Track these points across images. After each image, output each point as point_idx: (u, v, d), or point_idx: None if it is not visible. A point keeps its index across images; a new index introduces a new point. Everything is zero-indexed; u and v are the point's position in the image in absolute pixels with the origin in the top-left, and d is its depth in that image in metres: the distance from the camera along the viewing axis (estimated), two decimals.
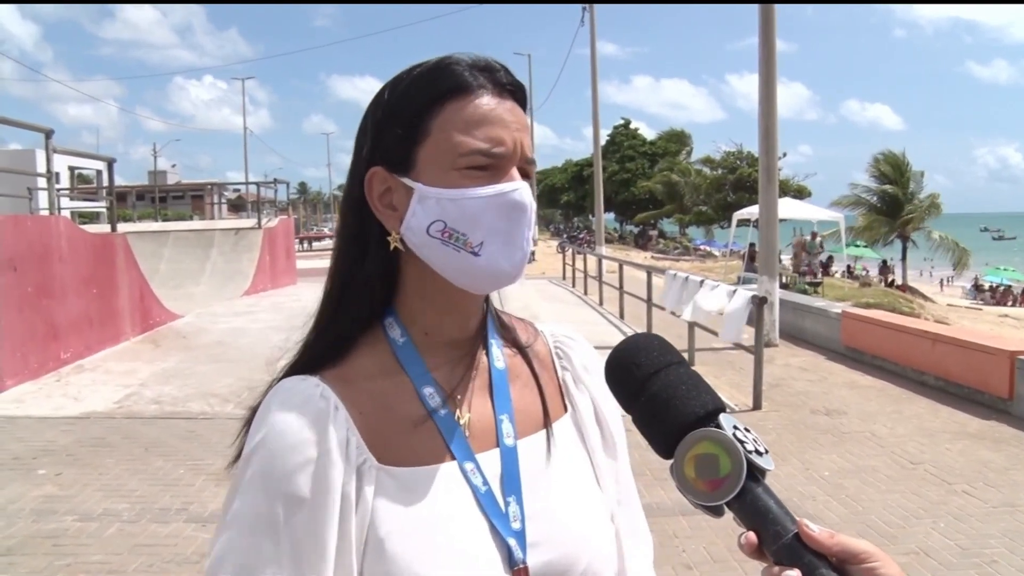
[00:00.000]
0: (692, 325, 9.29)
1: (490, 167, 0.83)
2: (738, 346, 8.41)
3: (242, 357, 9.22)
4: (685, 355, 8.47)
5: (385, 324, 0.90)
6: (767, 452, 0.71)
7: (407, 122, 0.84)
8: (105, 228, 12.64)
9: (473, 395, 0.90)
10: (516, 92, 0.88)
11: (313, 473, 0.78)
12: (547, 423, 0.93)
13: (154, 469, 5.57)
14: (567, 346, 1.02)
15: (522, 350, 0.98)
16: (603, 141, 36.62)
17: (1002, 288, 36.94)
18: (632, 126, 62.45)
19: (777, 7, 10.92)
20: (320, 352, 0.88)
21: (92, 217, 26.28)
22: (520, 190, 0.84)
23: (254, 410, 0.86)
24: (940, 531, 4.50)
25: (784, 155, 41.49)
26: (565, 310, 14.94)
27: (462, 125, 0.82)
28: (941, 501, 4.96)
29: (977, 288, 36.98)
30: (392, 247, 0.86)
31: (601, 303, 15.50)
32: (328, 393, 0.82)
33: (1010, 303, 34.29)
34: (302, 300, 15.31)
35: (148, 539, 4.44)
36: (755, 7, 11.06)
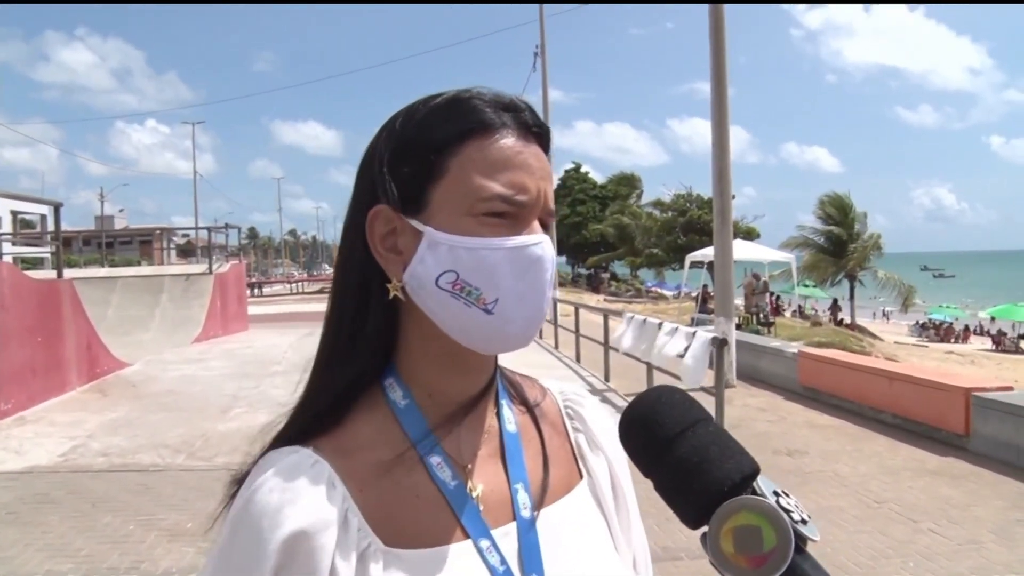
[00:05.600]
0: (650, 368, 9.30)
1: (509, 215, 0.74)
2: (698, 387, 8.42)
3: (194, 406, 8.97)
4: None
5: (385, 384, 0.80)
6: (810, 519, 0.63)
7: (422, 157, 0.76)
8: (50, 274, 12.30)
9: (485, 463, 0.81)
10: (541, 136, 0.80)
11: (307, 562, 0.68)
12: (564, 491, 0.85)
13: (102, 526, 5.32)
14: (579, 405, 0.95)
15: (532, 411, 0.90)
16: (554, 185, 36.97)
17: (945, 325, 37.92)
18: (583, 170, 63.14)
19: (727, 57, 11.15)
20: (313, 418, 0.79)
21: (36, 263, 25.61)
22: (542, 244, 0.76)
23: (238, 484, 0.76)
24: (910, 570, 4.49)
25: (734, 197, 42.34)
26: (519, 354, 14.61)
27: (484, 167, 0.74)
28: (908, 540, 4.96)
29: (922, 326, 37.88)
30: (392, 295, 0.78)
31: (557, 347, 15.47)
32: (323, 467, 0.73)
33: (953, 340, 35.22)
34: (254, 347, 15.08)
35: None
36: (705, 55, 11.29)
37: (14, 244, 24.51)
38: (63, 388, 9.97)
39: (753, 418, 8.74)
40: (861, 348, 17.45)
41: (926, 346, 29.78)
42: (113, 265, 25.35)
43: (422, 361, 0.80)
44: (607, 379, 11.24)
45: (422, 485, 0.77)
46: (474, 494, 0.78)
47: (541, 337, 17.32)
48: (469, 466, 0.80)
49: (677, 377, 8.66)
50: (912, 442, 7.42)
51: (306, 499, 0.70)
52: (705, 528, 0.65)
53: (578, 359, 13.30)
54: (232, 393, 9.57)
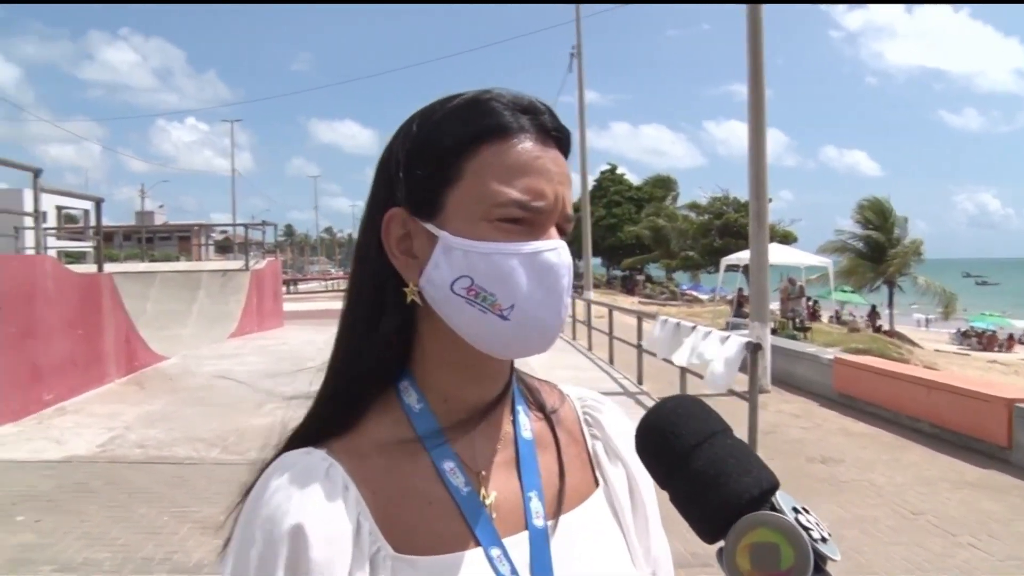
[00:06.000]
0: (684, 372, 9.23)
1: (526, 221, 0.73)
2: (731, 392, 8.32)
3: (229, 400, 9.08)
4: None
5: (400, 388, 0.80)
6: (830, 536, 0.61)
7: (438, 161, 0.75)
8: (92, 268, 12.51)
9: (498, 470, 0.80)
10: (561, 140, 0.79)
11: (319, 566, 0.68)
12: (579, 500, 0.84)
13: (138, 516, 5.40)
14: (597, 412, 0.93)
15: (548, 417, 0.88)
16: (590, 186, 36.86)
17: (988, 334, 37.13)
18: (618, 171, 62.93)
19: (765, 59, 11.03)
20: (328, 419, 0.79)
21: (79, 257, 26.10)
22: (559, 250, 0.74)
23: (253, 483, 0.76)
24: None
25: (771, 200, 41.93)
26: (553, 355, 14.77)
27: (500, 172, 0.73)
28: (946, 553, 4.86)
29: (964, 334, 37.14)
30: (409, 300, 0.77)
31: (590, 348, 15.41)
32: (337, 470, 0.73)
33: (996, 349, 34.46)
34: (289, 343, 15.21)
35: None
36: (742, 57, 11.18)
37: (59, 238, 25.00)
38: (102, 380, 10.14)
39: (787, 424, 8.64)
40: (900, 355, 17.13)
41: (968, 354, 29.16)
42: (152, 260, 25.80)
43: (438, 365, 0.80)
44: (640, 381, 11.18)
45: (434, 491, 0.76)
46: (487, 501, 0.77)
47: (575, 339, 17.29)
48: (483, 473, 0.79)
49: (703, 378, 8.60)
50: (951, 453, 7.29)
51: (319, 502, 0.70)
52: (721, 543, 0.63)
53: (611, 361, 13.24)
54: (267, 389, 9.63)
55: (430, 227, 0.75)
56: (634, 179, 63.12)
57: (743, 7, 11.19)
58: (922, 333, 37.43)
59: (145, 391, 10.08)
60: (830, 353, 10.97)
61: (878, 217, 30.97)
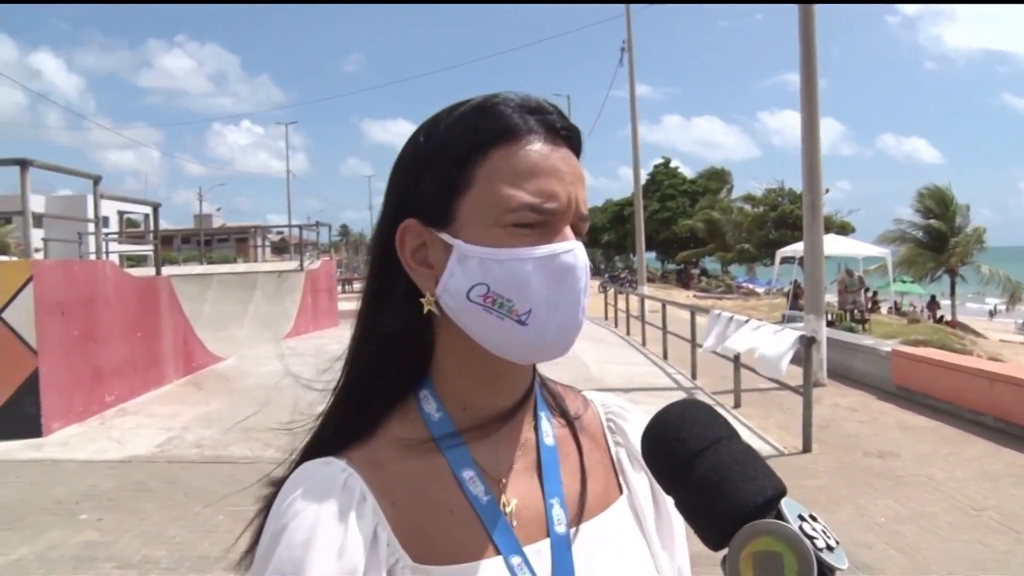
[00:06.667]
0: (737, 366, 9.11)
1: (540, 224, 0.73)
2: (785, 386, 8.18)
3: (284, 400, 9.21)
4: (731, 396, 8.17)
5: (419, 396, 0.80)
6: (838, 545, 0.60)
7: (447, 170, 0.74)
8: (152, 271, 12.83)
9: (520, 477, 0.80)
10: (571, 138, 0.78)
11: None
12: (601, 507, 0.83)
13: (193, 515, 5.53)
14: (621, 418, 0.92)
15: (571, 423, 0.87)
16: (643, 180, 36.58)
17: None
18: (672, 165, 62.39)
19: (817, 48, 10.81)
20: (346, 428, 0.79)
21: (140, 260, 26.79)
22: (575, 251, 0.73)
23: (274, 493, 0.76)
24: None
25: (827, 191, 41.11)
26: (607, 351, 14.76)
27: (510, 175, 0.72)
28: (1009, 551, 4.71)
29: None
30: (426, 310, 0.77)
31: (644, 343, 15.30)
32: (355, 480, 0.73)
33: None
34: (344, 343, 15.29)
35: None
36: (794, 46, 10.97)
37: (120, 242, 25.69)
38: (161, 381, 10.40)
39: (843, 418, 8.46)
40: (963, 347, 16.69)
41: None
42: (211, 262, 26.31)
43: (457, 374, 0.79)
44: (694, 376, 11.06)
45: (454, 500, 0.76)
46: (507, 509, 0.77)
47: (629, 334, 17.18)
48: (503, 480, 0.79)
49: (762, 375, 8.46)
50: (1016, 447, 7.06)
51: (338, 514, 0.70)
52: (725, 551, 0.62)
53: (665, 356, 13.14)
54: (321, 388, 9.76)
55: (444, 236, 0.75)
56: (688, 172, 62.72)
57: None
58: (987, 323, 36.35)
59: (203, 391, 10.30)
60: (888, 345, 10.71)
61: (939, 205, 30.15)
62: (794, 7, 10.98)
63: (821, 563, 0.58)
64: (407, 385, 0.80)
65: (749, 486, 0.62)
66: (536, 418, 0.84)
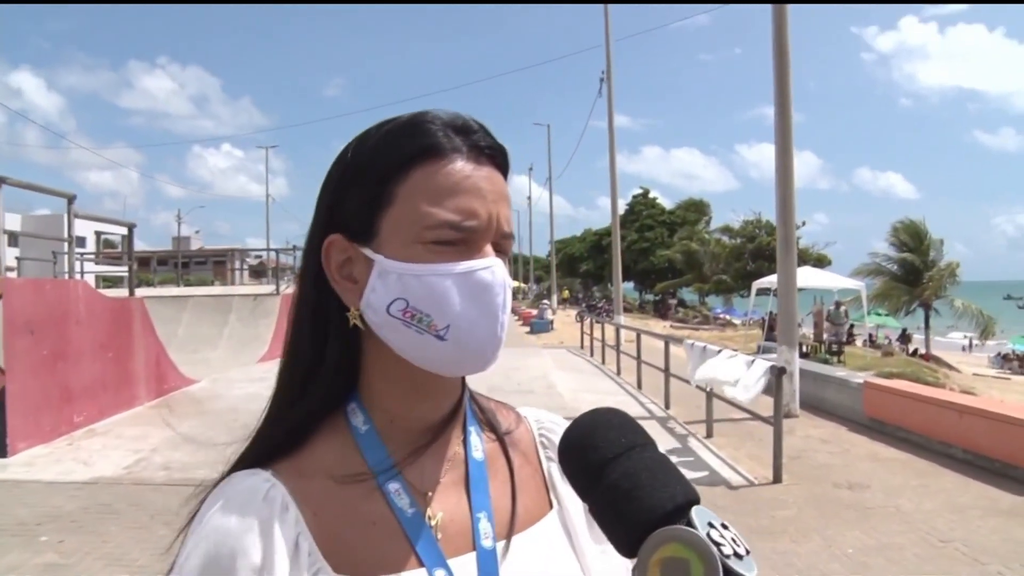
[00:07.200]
0: (710, 396, 9.13)
1: (460, 242, 0.74)
2: (757, 416, 8.21)
3: (254, 423, 9.14)
4: (703, 426, 8.16)
5: (347, 410, 0.80)
6: (748, 553, 0.60)
7: (370, 186, 0.75)
8: (126, 292, 12.73)
9: (447, 491, 0.80)
10: (496, 157, 0.79)
11: None
12: (531, 522, 0.83)
13: (158, 537, 5.43)
14: (554, 433, 0.92)
15: (501, 438, 0.87)
16: (621, 210, 36.83)
17: None
18: (651, 195, 62.83)
19: (792, 82, 10.98)
20: (275, 441, 0.79)
21: (117, 281, 26.57)
22: (492, 268, 0.74)
23: (198, 505, 0.76)
24: None
25: (803, 224, 41.55)
26: (582, 379, 14.76)
27: (431, 194, 0.73)
28: None
29: (1004, 357, 36.33)
30: (351, 324, 0.78)
31: (619, 373, 15.32)
32: (278, 490, 0.73)
33: None
34: None
35: None
36: (770, 82, 11.14)
37: (97, 263, 25.48)
38: (132, 403, 10.27)
39: (815, 449, 8.49)
40: (936, 379, 16.80)
41: (1008, 378, 28.50)
42: (188, 284, 26.15)
43: (384, 386, 0.80)
44: (667, 406, 11.08)
45: (378, 512, 0.76)
46: (432, 522, 0.77)
47: (604, 363, 17.20)
48: (429, 493, 0.79)
49: (735, 405, 8.49)
50: (984, 479, 7.11)
51: (259, 524, 0.70)
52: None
53: (639, 385, 13.16)
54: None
55: (367, 252, 0.76)
56: (667, 203, 63.07)
57: (770, 31, 11.15)
58: (962, 356, 36.72)
59: (174, 414, 10.18)
60: (860, 377, 10.78)
61: (913, 239, 30.55)
62: (769, 38, 11.14)
63: (728, 570, 0.58)
64: (336, 398, 0.80)
65: (660, 493, 0.62)
66: (465, 432, 0.84)
